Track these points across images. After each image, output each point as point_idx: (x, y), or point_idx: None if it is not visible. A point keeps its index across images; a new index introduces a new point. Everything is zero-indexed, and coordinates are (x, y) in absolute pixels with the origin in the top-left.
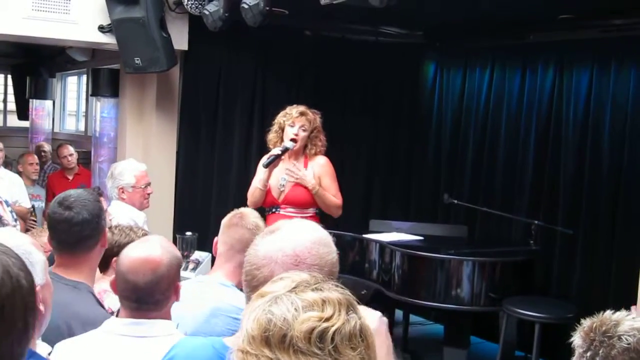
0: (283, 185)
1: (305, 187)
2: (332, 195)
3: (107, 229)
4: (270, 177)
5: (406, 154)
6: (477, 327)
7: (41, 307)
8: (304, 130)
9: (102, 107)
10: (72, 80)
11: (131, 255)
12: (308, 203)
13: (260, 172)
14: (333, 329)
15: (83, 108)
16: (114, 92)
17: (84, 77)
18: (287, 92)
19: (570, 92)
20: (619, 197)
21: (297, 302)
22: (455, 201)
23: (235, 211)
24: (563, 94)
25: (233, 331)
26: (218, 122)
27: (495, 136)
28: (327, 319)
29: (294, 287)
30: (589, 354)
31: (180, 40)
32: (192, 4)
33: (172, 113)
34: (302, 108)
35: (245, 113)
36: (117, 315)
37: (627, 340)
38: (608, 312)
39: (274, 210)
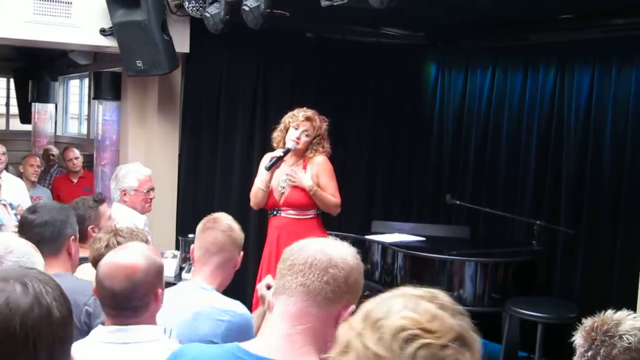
0: (283, 187)
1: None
2: (330, 194)
3: (87, 236)
4: (271, 179)
5: (408, 154)
6: (480, 327)
7: None
8: (306, 135)
9: (104, 110)
10: (74, 84)
11: (108, 261)
12: (308, 205)
13: (262, 173)
14: (424, 341)
15: (85, 111)
16: (116, 95)
17: (86, 81)
18: (289, 94)
19: (571, 92)
20: (620, 197)
21: (412, 303)
22: (458, 202)
23: (209, 216)
24: (564, 94)
25: (216, 334)
26: (220, 124)
27: (497, 136)
28: (425, 330)
29: (423, 295)
30: (590, 353)
31: (181, 42)
32: (193, 6)
33: (174, 116)
34: (309, 113)
35: (247, 115)
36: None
37: (628, 339)
38: (609, 312)
39: (275, 212)
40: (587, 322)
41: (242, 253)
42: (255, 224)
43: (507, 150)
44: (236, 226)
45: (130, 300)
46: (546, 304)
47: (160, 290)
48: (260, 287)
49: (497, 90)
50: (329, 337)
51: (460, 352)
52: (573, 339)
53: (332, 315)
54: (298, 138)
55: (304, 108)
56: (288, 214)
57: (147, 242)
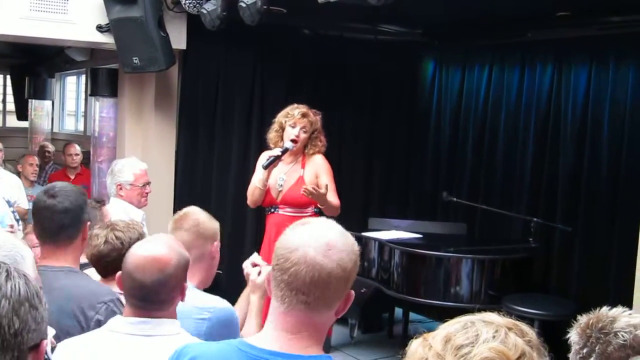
0: (281, 185)
1: (303, 186)
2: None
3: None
4: (269, 177)
5: (405, 151)
6: None
7: None
8: (304, 132)
9: (101, 107)
10: (71, 80)
11: (139, 253)
12: (306, 203)
13: (260, 171)
14: None
15: (82, 108)
16: (113, 92)
17: (83, 77)
18: (286, 91)
19: (568, 89)
20: (617, 195)
21: (502, 335)
22: (455, 199)
23: (177, 215)
24: (562, 92)
25: (200, 333)
26: (217, 121)
27: (494, 134)
28: None
29: (512, 327)
30: (585, 350)
31: (178, 39)
32: (190, 3)
33: (171, 112)
34: (303, 109)
35: (244, 112)
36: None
37: (623, 336)
38: (605, 309)
39: (272, 210)
40: (583, 319)
41: (216, 243)
42: (252, 219)
43: (504, 148)
44: (204, 218)
45: (159, 293)
46: (542, 301)
47: (186, 285)
48: (246, 266)
49: (495, 87)
50: (328, 327)
51: None
52: (568, 336)
53: (333, 312)
54: (297, 136)
55: (296, 105)
56: (286, 211)
57: (142, 234)
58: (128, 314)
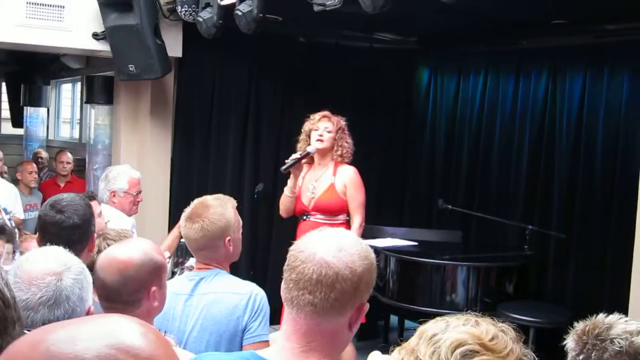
0: (313, 192)
1: (334, 193)
2: (356, 207)
3: (96, 235)
4: (297, 184)
5: (400, 159)
6: None
7: None
8: (328, 132)
9: (97, 114)
10: (66, 88)
11: (107, 253)
12: (338, 210)
13: (290, 180)
14: (485, 358)
15: (77, 115)
16: (109, 100)
17: (79, 85)
18: (281, 99)
19: (563, 97)
20: (612, 202)
21: (473, 322)
22: (450, 206)
23: (186, 211)
24: (556, 99)
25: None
26: (212, 128)
27: (489, 141)
28: (485, 346)
29: (483, 319)
30: (581, 357)
31: (174, 47)
32: (186, 11)
33: (167, 120)
34: (324, 112)
35: (240, 120)
36: None
37: (619, 343)
38: (601, 316)
39: (304, 217)
40: (579, 325)
41: (228, 238)
42: (247, 226)
43: (499, 155)
44: (212, 218)
45: (120, 294)
46: (538, 308)
47: (154, 289)
48: None
49: (490, 95)
50: (344, 342)
51: None
52: (565, 342)
53: (345, 322)
54: (321, 135)
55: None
56: (317, 218)
57: None
58: None
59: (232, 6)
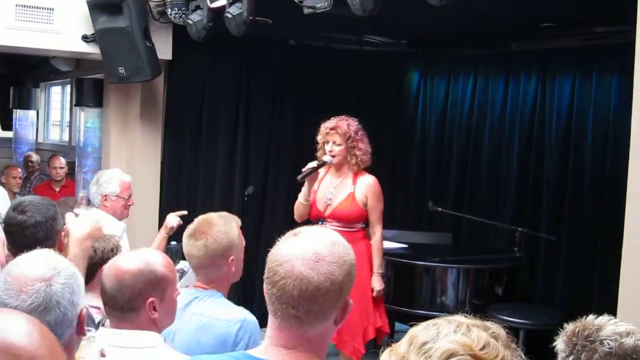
0: (330, 199)
1: (353, 203)
2: (377, 218)
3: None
4: (311, 191)
5: (390, 161)
6: None
7: None
8: (337, 145)
9: (86, 117)
10: (56, 90)
11: (113, 260)
12: (355, 219)
13: (305, 186)
14: None
15: (67, 118)
16: (98, 102)
17: (68, 87)
18: (271, 101)
19: (552, 99)
20: (601, 204)
21: (464, 329)
22: (440, 209)
23: (189, 228)
24: (546, 102)
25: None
26: (202, 131)
27: (479, 143)
28: (476, 357)
29: (478, 325)
30: (571, 358)
31: (164, 49)
32: (176, 13)
33: (157, 123)
34: (333, 122)
35: (230, 122)
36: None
37: (609, 344)
38: (591, 317)
39: (320, 223)
40: (569, 327)
41: (232, 257)
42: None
43: (489, 158)
44: (216, 236)
45: (116, 300)
46: (528, 310)
47: (152, 299)
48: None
49: (479, 97)
50: (330, 337)
51: None
52: (555, 344)
53: (330, 323)
54: (331, 151)
55: (328, 120)
56: (333, 225)
57: (117, 245)
58: (109, 323)
59: (222, 9)
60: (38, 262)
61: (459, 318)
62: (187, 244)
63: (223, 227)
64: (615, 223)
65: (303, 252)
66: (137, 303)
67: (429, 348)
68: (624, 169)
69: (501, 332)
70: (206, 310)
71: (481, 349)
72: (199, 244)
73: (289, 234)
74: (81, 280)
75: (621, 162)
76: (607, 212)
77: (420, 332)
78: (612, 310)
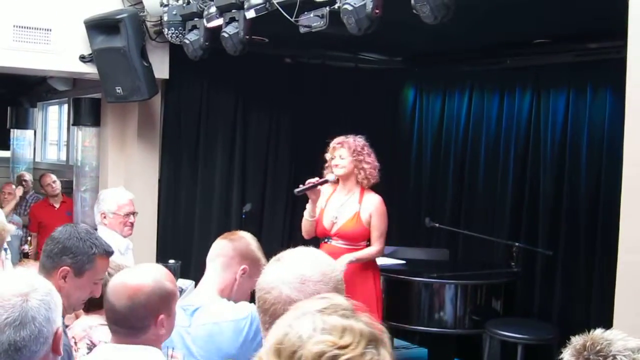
0: (336, 217)
1: (359, 222)
2: (377, 236)
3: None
4: (315, 208)
5: (387, 178)
6: (461, 349)
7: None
8: (342, 158)
9: (84, 136)
10: (53, 110)
11: (117, 278)
12: (359, 237)
13: (309, 203)
14: (344, 358)
15: (64, 137)
16: (96, 122)
17: (65, 107)
18: (268, 119)
19: (547, 115)
20: (597, 218)
21: (318, 322)
22: (437, 224)
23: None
24: (540, 117)
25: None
26: (199, 149)
27: (475, 159)
28: (341, 347)
29: (324, 308)
30: None
31: (161, 69)
32: (172, 33)
33: (154, 142)
34: (340, 139)
35: (227, 141)
36: None
37: None
38: (598, 331)
39: (326, 240)
40: (577, 340)
41: (244, 266)
42: None
43: (485, 173)
44: (248, 241)
45: (129, 319)
46: (525, 325)
47: (162, 316)
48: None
49: (475, 113)
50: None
51: (378, 352)
52: (561, 356)
53: None
54: (337, 165)
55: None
56: (339, 243)
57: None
58: (111, 340)
59: (218, 28)
60: (16, 278)
61: (305, 305)
62: (217, 240)
63: (256, 249)
64: (611, 237)
65: (289, 275)
66: (149, 321)
67: (300, 356)
68: (618, 183)
69: (343, 301)
70: (212, 317)
71: (341, 337)
72: (230, 238)
73: (273, 260)
74: (58, 299)
75: (616, 176)
76: (603, 227)
77: (282, 339)
78: (608, 326)
